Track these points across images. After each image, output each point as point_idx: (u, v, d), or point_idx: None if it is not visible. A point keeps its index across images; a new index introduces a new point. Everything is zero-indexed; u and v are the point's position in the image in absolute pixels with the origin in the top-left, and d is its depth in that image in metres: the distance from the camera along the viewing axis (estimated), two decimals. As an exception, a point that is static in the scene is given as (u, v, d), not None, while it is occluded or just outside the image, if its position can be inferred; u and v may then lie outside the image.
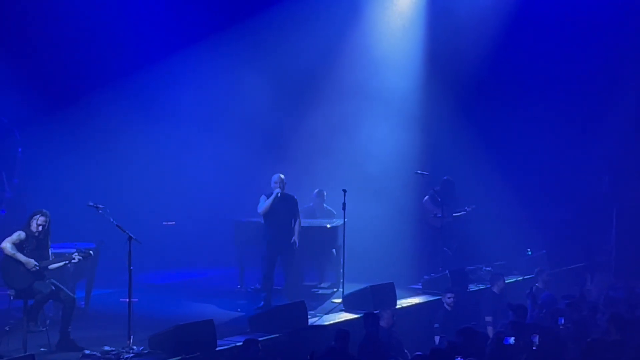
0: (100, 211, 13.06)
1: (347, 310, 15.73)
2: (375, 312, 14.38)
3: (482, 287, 18.15)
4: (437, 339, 15.26)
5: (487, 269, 19.25)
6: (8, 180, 18.38)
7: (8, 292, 12.82)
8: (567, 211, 22.31)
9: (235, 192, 17.50)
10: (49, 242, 12.96)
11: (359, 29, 21.20)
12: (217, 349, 12.80)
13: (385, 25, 21.37)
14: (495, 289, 17.07)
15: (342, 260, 16.80)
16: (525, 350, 12.31)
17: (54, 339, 12.74)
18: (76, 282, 14.91)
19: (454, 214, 19.36)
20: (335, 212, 18.12)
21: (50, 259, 12.87)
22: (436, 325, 15.67)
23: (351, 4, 20.97)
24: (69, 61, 18.56)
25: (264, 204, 15.86)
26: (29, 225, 12.77)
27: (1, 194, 18.20)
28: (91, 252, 13.38)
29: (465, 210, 19.54)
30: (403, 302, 16.56)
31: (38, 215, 12.79)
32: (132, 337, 12.48)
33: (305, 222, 17.78)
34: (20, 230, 12.79)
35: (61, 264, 12.96)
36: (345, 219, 16.56)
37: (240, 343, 12.80)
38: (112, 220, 12.91)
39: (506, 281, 17.63)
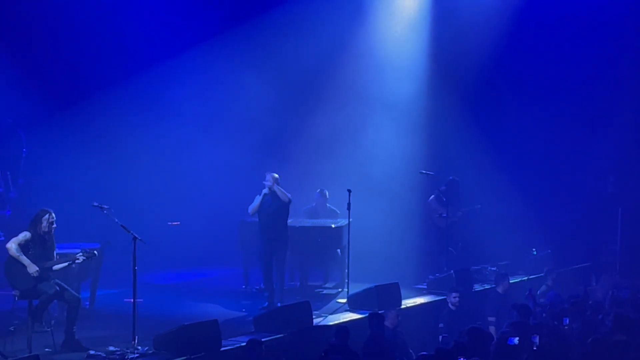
0: (105, 211, 13.05)
1: (351, 310, 15.72)
2: (380, 312, 14.37)
3: (487, 287, 18.15)
4: (441, 338, 15.23)
5: (492, 268, 19.24)
6: (13, 180, 18.42)
7: (13, 293, 12.83)
8: (572, 211, 22.29)
9: (240, 193, 17.47)
10: (54, 243, 12.97)
11: (363, 31, 21.20)
12: (222, 349, 12.78)
13: (389, 27, 21.34)
14: (499, 289, 17.06)
15: (347, 260, 16.80)
16: (527, 351, 12.29)
17: (58, 340, 12.74)
18: (81, 282, 14.94)
19: (463, 210, 19.34)
20: (338, 212, 18.13)
21: (55, 259, 12.88)
22: (441, 325, 15.66)
23: (355, 6, 20.96)
24: (73, 62, 18.60)
25: (253, 203, 15.89)
26: (36, 226, 12.77)
27: (6, 194, 18.24)
28: (95, 252, 13.37)
29: (473, 208, 19.53)
30: (408, 302, 16.55)
31: (47, 215, 12.81)
32: (136, 337, 12.47)
33: (310, 222, 17.83)
34: (25, 230, 12.80)
35: (65, 264, 12.97)
36: (350, 219, 16.55)
37: (245, 343, 12.79)
38: (116, 220, 12.91)
39: (511, 281, 17.65)
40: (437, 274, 18.15)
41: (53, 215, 12.87)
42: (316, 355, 12.39)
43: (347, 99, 21.13)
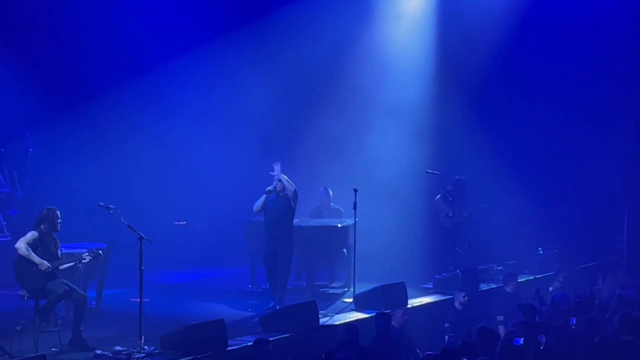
0: (111, 211, 13.06)
1: (358, 310, 15.72)
2: (386, 311, 14.37)
3: (493, 286, 18.14)
4: (447, 338, 15.22)
5: (499, 268, 19.23)
6: (19, 180, 18.46)
7: (20, 293, 12.85)
8: (579, 210, 22.28)
9: (246, 193, 17.47)
10: (58, 241, 13.00)
11: (368, 32, 21.18)
12: (228, 348, 12.78)
13: (394, 28, 21.32)
14: (508, 289, 17.06)
15: (353, 259, 16.79)
16: (533, 350, 12.27)
17: (65, 339, 12.75)
18: (87, 282, 14.94)
19: (469, 209, 19.33)
20: (343, 211, 18.13)
21: (61, 258, 12.90)
22: (447, 324, 15.64)
23: (360, 7, 20.94)
24: (79, 62, 18.62)
25: (257, 202, 15.81)
26: (50, 225, 12.80)
27: (13, 194, 18.28)
28: (100, 252, 13.37)
29: (480, 207, 19.52)
30: (414, 302, 16.55)
31: (58, 212, 12.85)
32: (143, 337, 12.47)
33: (316, 222, 17.83)
34: (32, 230, 12.81)
35: (72, 263, 12.99)
36: (356, 219, 16.54)
37: (252, 343, 12.80)
38: (123, 220, 12.91)
39: (518, 281, 17.64)
40: (443, 274, 18.14)
41: (59, 213, 12.92)
42: (322, 355, 12.38)
43: (352, 100, 21.13)
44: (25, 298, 12.79)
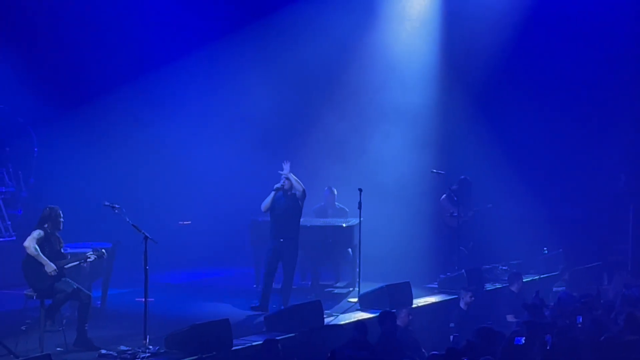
0: (116, 211, 13.06)
1: (363, 310, 15.71)
2: (392, 310, 14.36)
3: (498, 286, 18.13)
4: (452, 338, 15.22)
5: (504, 268, 19.22)
6: (24, 179, 18.49)
7: (26, 292, 12.86)
8: (584, 210, 22.28)
9: (251, 192, 17.50)
10: (62, 240, 13.02)
11: (372, 34, 21.18)
12: (233, 348, 12.77)
13: (399, 30, 21.31)
14: (513, 288, 17.08)
15: (358, 259, 16.79)
16: (540, 351, 12.27)
17: (70, 339, 12.75)
18: (92, 281, 14.93)
19: (474, 209, 19.32)
20: (347, 210, 18.12)
21: (67, 257, 12.91)
22: (452, 324, 15.64)
23: (365, 7, 20.94)
24: (84, 62, 18.65)
25: (265, 200, 15.74)
26: (49, 223, 12.81)
27: (18, 193, 18.30)
28: (104, 251, 13.37)
29: (485, 207, 19.52)
30: (419, 301, 16.53)
31: (60, 211, 12.87)
32: (148, 336, 12.47)
33: (321, 221, 17.83)
34: (37, 229, 12.82)
35: (76, 263, 12.99)
36: (361, 218, 16.54)
37: (257, 342, 12.82)
38: (128, 219, 12.91)
39: (523, 280, 17.65)
40: (448, 273, 18.13)
41: (61, 212, 12.94)
42: (327, 354, 12.38)
43: (356, 101, 21.12)
44: (34, 297, 12.79)
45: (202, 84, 20.54)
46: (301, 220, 16.32)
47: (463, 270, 17.55)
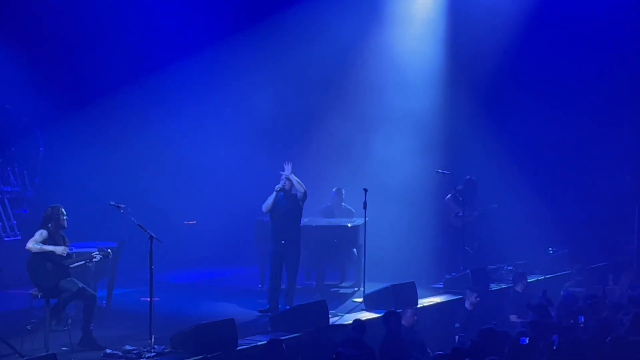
0: (121, 210, 13.06)
1: (368, 310, 15.71)
2: (397, 310, 14.35)
3: (503, 286, 18.12)
4: (457, 338, 15.21)
5: (509, 268, 19.21)
6: (30, 179, 18.51)
7: (31, 292, 12.86)
8: (589, 210, 22.26)
9: (256, 192, 17.47)
10: (67, 239, 13.02)
11: (378, 36, 21.18)
12: (238, 348, 12.78)
13: (404, 32, 21.30)
14: (518, 288, 17.06)
15: (363, 259, 16.78)
16: (546, 351, 12.26)
17: (75, 338, 12.76)
18: (98, 281, 14.96)
19: (479, 209, 19.31)
20: (354, 211, 18.11)
21: (72, 257, 12.92)
22: (457, 324, 15.62)
23: (370, 10, 20.93)
24: (89, 62, 18.66)
25: (266, 201, 15.63)
26: (56, 223, 12.81)
27: (23, 193, 18.33)
28: (110, 250, 13.37)
29: (490, 207, 19.51)
30: (424, 302, 16.53)
31: (62, 209, 12.87)
32: (153, 336, 12.46)
33: (325, 221, 17.82)
34: (40, 229, 12.83)
35: (82, 262, 13.00)
36: (366, 218, 16.53)
37: (262, 342, 12.82)
38: (133, 219, 12.91)
39: (528, 280, 17.64)
40: (453, 273, 18.14)
41: (63, 210, 12.94)
42: (332, 355, 12.38)
43: (362, 102, 21.13)
44: (39, 296, 12.80)
45: (208, 85, 20.54)
46: (306, 220, 16.32)
47: (468, 271, 17.55)
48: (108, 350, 12.49)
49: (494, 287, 18.06)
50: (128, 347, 12.51)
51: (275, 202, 15.55)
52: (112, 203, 13.12)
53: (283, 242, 15.54)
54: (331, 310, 14.94)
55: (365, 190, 16.30)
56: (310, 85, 20.65)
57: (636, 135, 22.43)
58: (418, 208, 20.06)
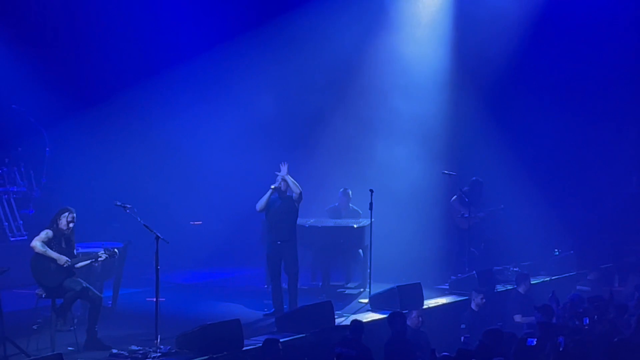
0: (127, 211, 13.07)
1: (373, 310, 15.71)
2: (403, 311, 14.35)
3: (509, 287, 18.09)
4: (463, 339, 15.20)
5: (515, 269, 19.16)
6: (36, 179, 18.54)
7: (36, 292, 12.88)
8: (596, 211, 22.23)
9: (262, 193, 17.49)
10: (74, 241, 13.03)
11: (384, 38, 21.16)
12: (244, 348, 12.80)
13: (411, 34, 21.29)
14: (521, 289, 17.03)
15: (369, 260, 16.77)
16: (552, 352, 12.24)
17: (81, 338, 12.78)
18: (104, 281, 14.97)
19: (485, 210, 19.29)
20: (361, 212, 18.08)
21: (78, 257, 12.93)
22: (462, 325, 15.61)
23: (376, 13, 20.93)
24: (96, 62, 18.71)
25: (260, 200, 15.53)
26: (57, 223, 12.83)
27: (30, 193, 18.35)
28: (116, 250, 13.39)
29: (496, 208, 19.49)
30: (430, 303, 16.52)
31: (67, 213, 12.87)
32: (159, 336, 12.47)
33: (332, 222, 17.81)
34: (46, 229, 12.84)
35: (88, 262, 13.00)
36: (372, 219, 16.52)
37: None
38: (139, 219, 12.92)
39: (534, 282, 17.66)
40: (459, 275, 18.10)
41: (74, 213, 12.92)
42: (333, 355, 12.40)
43: (368, 104, 21.11)
44: (43, 296, 12.82)
45: (214, 87, 20.55)
46: (313, 220, 16.32)
47: (474, 272, 17.52)
48: (114, 350, 12.52)
49: (499, 288, 18.02)
50: (134, 347, 12.52)
51: (270, 202, 15.45)
52: (118, 203, 13.13)
53: (278, 242, 15.47)
54: (337, 311, 14.94)
55: (371, 191, 16.29)
56: (316, 88, 20.66)
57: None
58: (424, 209, 20.06)
